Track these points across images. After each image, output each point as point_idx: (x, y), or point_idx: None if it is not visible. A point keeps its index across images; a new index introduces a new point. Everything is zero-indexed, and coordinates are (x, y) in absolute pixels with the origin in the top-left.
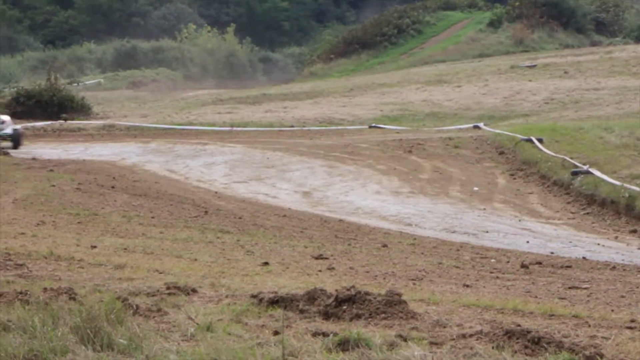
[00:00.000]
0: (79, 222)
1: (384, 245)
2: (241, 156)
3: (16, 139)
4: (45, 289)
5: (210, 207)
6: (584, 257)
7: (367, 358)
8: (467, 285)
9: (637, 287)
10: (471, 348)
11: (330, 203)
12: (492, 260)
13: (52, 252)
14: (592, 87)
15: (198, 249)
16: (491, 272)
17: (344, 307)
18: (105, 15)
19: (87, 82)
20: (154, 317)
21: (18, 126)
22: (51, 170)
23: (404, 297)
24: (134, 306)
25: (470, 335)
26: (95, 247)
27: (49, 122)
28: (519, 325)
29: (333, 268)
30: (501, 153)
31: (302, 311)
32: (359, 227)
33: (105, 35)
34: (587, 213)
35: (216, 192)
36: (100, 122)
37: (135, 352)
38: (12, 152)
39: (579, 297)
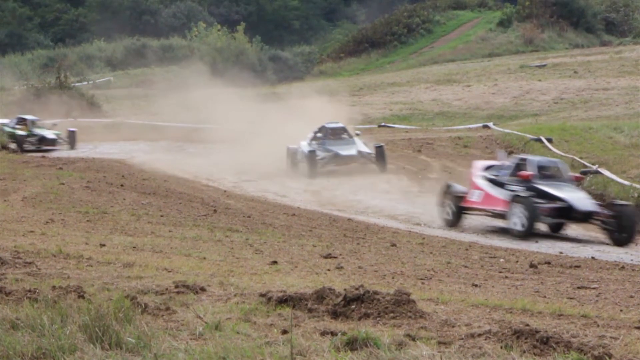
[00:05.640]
0: (88, 221)
1: (393, 245)
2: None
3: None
4: (54, 287)
5: (219, 206)
6: (592, 257)
7: (376, 357)
8: (476, 285)
9: None
10: (480, 348)
11: (339, 202)
12: (501, 260)
13: (61, 250)
14: (601, 87)
15: (207, 248)
16: (500, 272)
17: (353, 306)
18: (116, 13)
19: (97, 80)
20: (162, 315)
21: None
22: (60, 168)
23: (412, 297)
24: (143, 305)
25: (479, 335)
26: (104, 245)
27: (58, 120)
28: (527, 325)
29: (342, 267)
30: (510, 153)
31: (310, 310)
32: (367, 226)
33: (116, 33)
34: None
35: (225, 191)
36: (109, 120)
37: (144, 351)
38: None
39: (587, 297)
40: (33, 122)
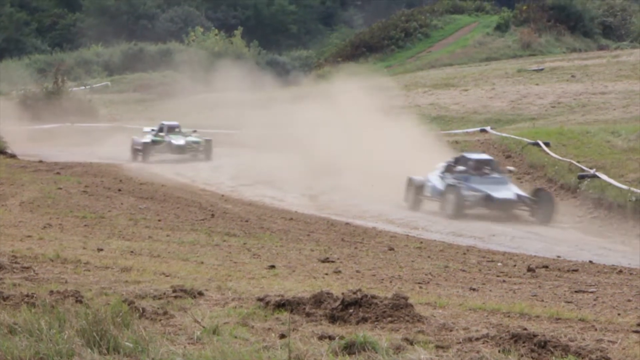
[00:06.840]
0: (85, 225)
1: (391, 249)
2: (250, 160)
3: None
4: (51, 292)
5: (216, 210)
6: (590, 261)
7: None
8: (474, 289)
9: None
10: (477, 352)
11: (336, 206)
12: (499, 264)
13: (58, 254)
14: (599, 90)
15: (204, 252)
16: (498, 276)
17: (351, 310)
18: (113, 18)
19: (94, 85)
20: (160, 320)
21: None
22: (58, 173)
23: (410, 301)
24: (140, 309)
25: (477, 339)
26: (101, 250)
27: (57, 125)
28: (525, 329)
29: (339, 271)
30: (508, 157)
31: (308, 314)
32: (365, 231)
33: (113, 38)
34: (594, 217)
35: (223, 195)
36: (107, 125)
37: (142, 355)
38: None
39: (585, 301)
40: (170, 128)
